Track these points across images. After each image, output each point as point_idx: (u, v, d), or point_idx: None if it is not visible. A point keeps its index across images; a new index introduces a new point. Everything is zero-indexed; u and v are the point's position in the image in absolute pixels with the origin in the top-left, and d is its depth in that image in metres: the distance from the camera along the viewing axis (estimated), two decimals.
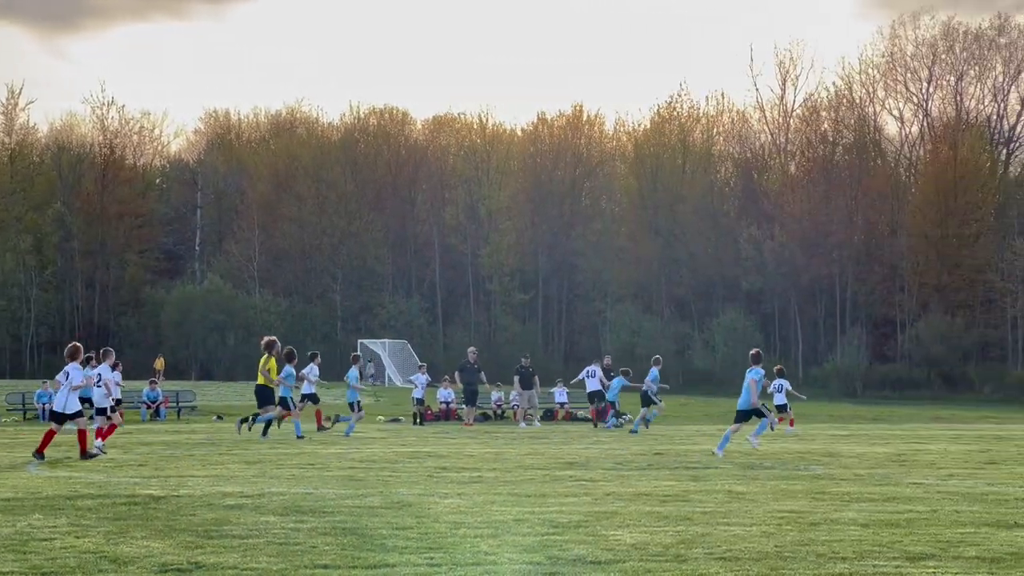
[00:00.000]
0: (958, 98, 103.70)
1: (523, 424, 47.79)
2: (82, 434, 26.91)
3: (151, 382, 58.56)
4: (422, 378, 51.10)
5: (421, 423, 49.93)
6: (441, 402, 54.60)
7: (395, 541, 13.77)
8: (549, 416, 53.42)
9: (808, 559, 12.70)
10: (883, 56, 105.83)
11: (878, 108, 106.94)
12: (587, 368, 50.02)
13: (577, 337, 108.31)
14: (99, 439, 28.96)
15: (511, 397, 54.99)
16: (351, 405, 40.42)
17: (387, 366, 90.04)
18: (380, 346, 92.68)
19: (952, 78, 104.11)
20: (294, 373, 37.48)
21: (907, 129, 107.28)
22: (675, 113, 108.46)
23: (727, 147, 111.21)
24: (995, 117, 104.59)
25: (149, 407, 54.92)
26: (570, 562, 12.48)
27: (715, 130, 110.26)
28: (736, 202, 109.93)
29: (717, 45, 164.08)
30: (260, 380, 35.84)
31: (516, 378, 49.15)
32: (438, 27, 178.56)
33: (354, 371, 40.74)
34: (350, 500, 18.05)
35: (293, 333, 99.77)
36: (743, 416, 29.81)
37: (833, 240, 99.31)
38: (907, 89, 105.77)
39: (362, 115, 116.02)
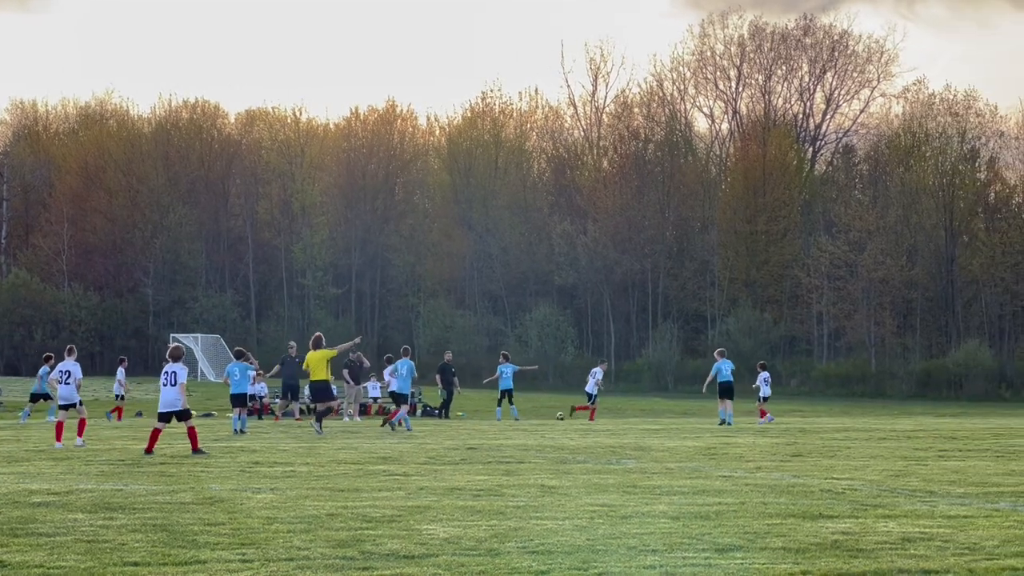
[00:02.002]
0: (766, 97, 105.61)
1: (346, 418, 48.30)
2: (192, 432, 27.33)
3: None
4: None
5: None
6: (258, 397, 53.89)
7: (207, 537, 13.64)
8: (362, 411, 53.36)
9: (620, 552, 12.82)
10: (693, 54, 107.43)
11: (689, 105, 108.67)
12: (592, 371, 52.37)
13: (390, 332, 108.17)
14: (59, 435, 29.25)
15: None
16: (405, 397, 39.74)
17: (200, 360, 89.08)
18: (193, 340, 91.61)
19: (760, 77, 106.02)
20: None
21: (717, 126, 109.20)
22: (488, 108, 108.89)
23: (540, 143, 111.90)
24: (802, 116, 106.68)
25: None
26: (383, 556, 12.47)
27: (528, 126, 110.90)
28: (549, 197, 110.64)
29: (530, 41, 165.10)
30: (321, 375, 36.46)
31: (345, 371, 49.16)
32: (250, 20, 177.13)
33: (406, 363, 40.01)
34: (161, 496, 17.84)
35: (104, 328, 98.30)
36: None
37: (645, 235, 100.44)
38: (717, 87, 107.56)
39: (174, 108, 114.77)
